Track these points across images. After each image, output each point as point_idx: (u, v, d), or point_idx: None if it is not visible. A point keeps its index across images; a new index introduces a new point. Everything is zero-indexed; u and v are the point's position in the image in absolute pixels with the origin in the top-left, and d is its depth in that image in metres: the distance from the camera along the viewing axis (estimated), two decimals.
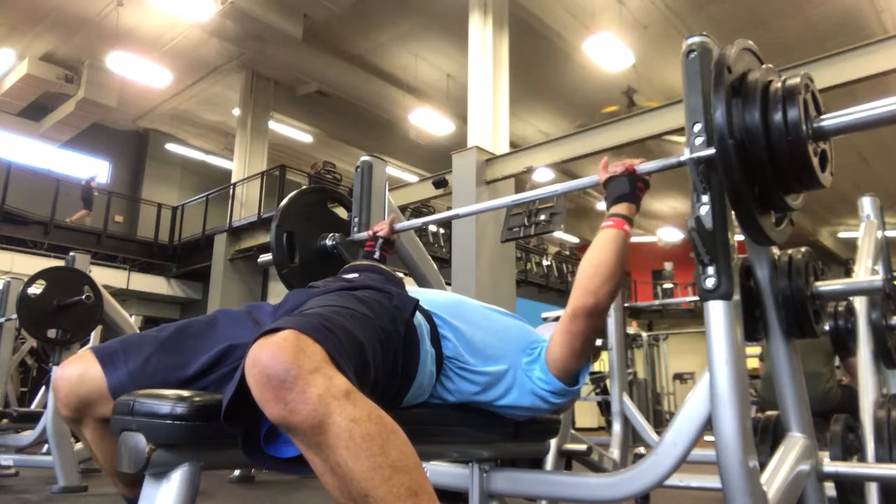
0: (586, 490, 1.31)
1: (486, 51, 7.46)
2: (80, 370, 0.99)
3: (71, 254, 3.83)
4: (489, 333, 1.23)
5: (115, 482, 1.08)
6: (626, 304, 3.13)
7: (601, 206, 14.80)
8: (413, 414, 1.11)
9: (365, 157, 2.04)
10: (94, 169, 12.96)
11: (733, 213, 1.13)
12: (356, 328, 0.90)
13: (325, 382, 0.73)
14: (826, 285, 1.40)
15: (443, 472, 1.56)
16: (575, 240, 15.95)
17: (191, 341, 1.03)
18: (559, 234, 14.08)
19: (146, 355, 0.99)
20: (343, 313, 0.92)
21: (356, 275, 1.24)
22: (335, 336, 0.83)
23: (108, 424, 0.99)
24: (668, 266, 15.51)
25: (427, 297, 1.24)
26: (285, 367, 0.73)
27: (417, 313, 1.11)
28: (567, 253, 15.40)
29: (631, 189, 1.30)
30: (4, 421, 4.19)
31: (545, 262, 14.15)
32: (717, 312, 1.11)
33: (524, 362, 1.24)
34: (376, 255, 1.73)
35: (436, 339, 1.15)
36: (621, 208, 1.29)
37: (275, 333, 0.77)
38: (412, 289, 1.28)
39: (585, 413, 10.95)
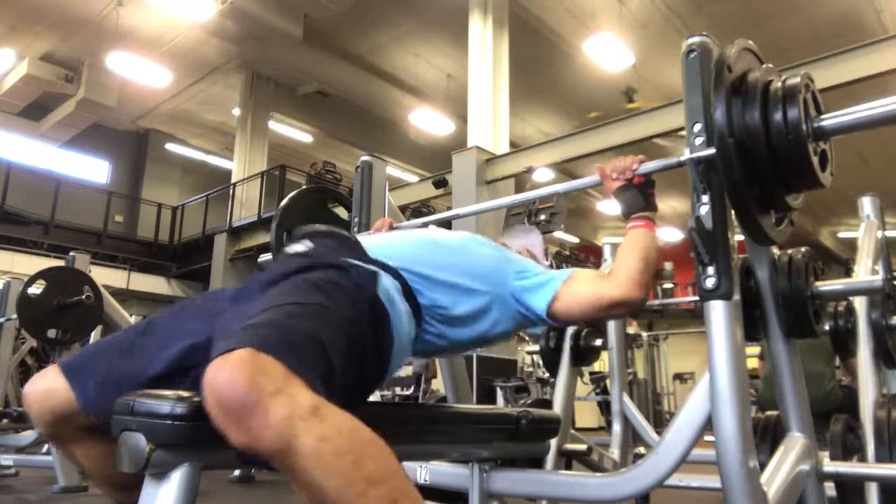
0: (586, 490, 1.31)
1: (486, 51, 7.46)
2: (46, 386, 0.97)
3: (71, 254, 3.83)
4: (463, 270, 1.20)
5: (107, 490, 1.06)
6: None
7: (601, 206, 14.72)
8: (414, 414, 1.11)
9: (365, 157, 2.04)
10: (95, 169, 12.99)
11: (733, 213, 1.14)
12: (316, 327, 0.85)
13: (289, 403, 0.69)
14: (826, 285, 1.40)
15: (443, 472, 1.56)
16: (575, 240, 15.93)
17: (154, 340, 1.01)
18: (559, 234, 14.07)
19: (108, 364, 0.97)
20: (299, 312, 0.86)
21: (310, 243, 1.16)
22: (294, 346, 0.78)
23: (90, 434, 0.99)
24: (668, 266, 15.49)
25: (390, 249, 1.18)
26: (244, 392, 0.69)
27: (385, 275, 1.08)
28: (567, 253, 15.39)
29: (645, 198, 1.31)
30: (4, 421, 4.19)
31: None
32: (717, 312, 1.11)
33: (514, 282, 1.23)
34: None
35: (408, 293, 1.11)
36: (644, 215, 1.31)
37: (230, 353, 0.72)
38: (372, 242, 1.21)
39: (585, 413, 10.94)
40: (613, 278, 1.21)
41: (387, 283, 1.07)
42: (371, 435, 0.74)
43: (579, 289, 1.21)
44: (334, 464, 0.69)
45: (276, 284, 0.98)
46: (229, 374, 0.70)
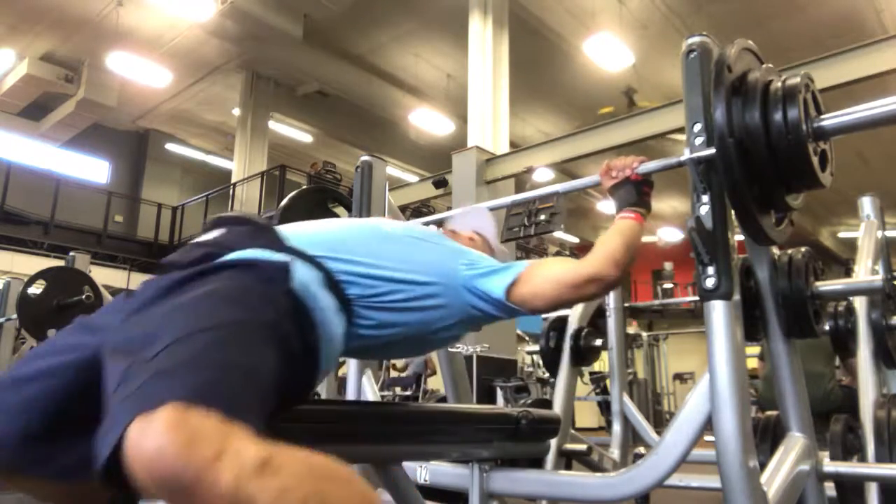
0: (586, 490, 1.31)
1: (486, 51, 7.46)
2: None
3: (71, 254, 3.84)
4: (404, 260, 1.12)
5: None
6: (626, 304, 3.13)
7: (601, 206, 14.74)
8: (414, 414, 1.11)
9: (365, 157, 2.04)
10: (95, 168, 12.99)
11: (733, 213, 1.14)
12: (237, 351, 0.76)
13: (236, 464, 0.61)
14: (826, 285, 1.41)
15: (443, 472, 1.56)
16: (575, 240, 15.94)
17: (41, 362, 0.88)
18: (559, 234, 14.07)
19: (14, 396, 0.85)
20: (212, 339, 0.75)
21: (222, 230, 1.05)
22: (221, 386, 0.69)
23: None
24: (668, 266, 15.49)
25: (311, 238, 1.08)
26: (182, 465, 0.59)
27: (302, 267, 0.98)
28: (567, 253, 15.39)
29: (638, 195, 1.30)
30: None
31: None
32: (717, 312, 1.11)
33: (464, 272, 1.14)
34: None
35: (332, 284, 1.02)
36: (635, 209, 1.28)
37: (152, 416, 0.62)
38: (296, 229, 1.11)
39: (585, 413, 10.94)
40: (589, 256, 1.16)
41: (303, 274, 0.97)
42: (330, 469, 0.68)
43: (548, 270, 1.14)
44: None
45: (173, 293, 0.86)
46: (159, 444, 0.60)
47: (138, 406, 0.63)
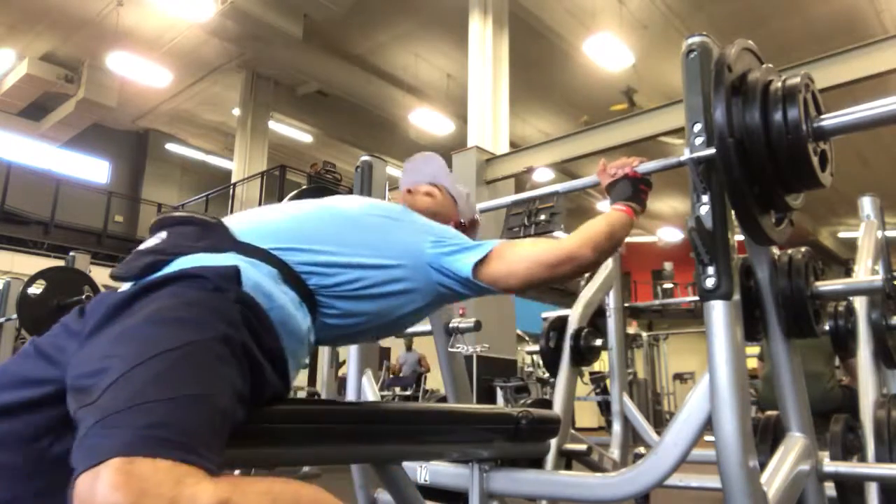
0: (586, 490, 1.31)
1: (486, 51, 7.46)
2: None
3: (71, 254, 3.84)
4: (364, 244, 1.07)
5: None
6: (626, 304, 3.13)
7: (601, 206, 14.75)
8: (414, 414, 1.11)
9: (365, 157, 2.04)
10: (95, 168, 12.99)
11: (733, 213, 1.14)
12: (188, 379, 0.71)
13: None
14: (826, 285, 1.41)
15: (443, 472, 1.56)
16: None
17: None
18: (559, 234, 14.06)
19: None
20: (162, 371, 0.70)
21: (164, 234, 0.97)
22: (171, 427, 0.64)
23: None
24: (668, 266, 15.49)
25: (263, 229, 1.02)
26: None
27: (252, 266, 0.93)
28: None
29: (634, 191, 1.30)
30: None
31: None
32: (717, 312, 1.11)
33: (432, 253, 1.10)
34: None
35: (291, 276, 0.97)
36: (628, 204, 1.28)
37: (97, 471, 0.58)
38: (245, 221, 1.04)
39: (585, 413, 10.95)
40: (569, 236, 1.14)
41: (253, 274, 0.91)
42: (292, 493, 0.65)
43: (523, 249, 1.11)
44: None
45: (119, 315, 0.80)
46: (107, 502, 0.56)
47: (84, 462, 0.60)
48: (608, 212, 1.25)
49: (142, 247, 0.96)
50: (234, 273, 0.88)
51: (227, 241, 0.96)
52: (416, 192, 1.36)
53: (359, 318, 1.06)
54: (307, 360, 1.00)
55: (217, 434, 0.69)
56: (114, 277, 0.94)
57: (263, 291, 0.91)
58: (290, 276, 0.97)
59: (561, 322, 2.83)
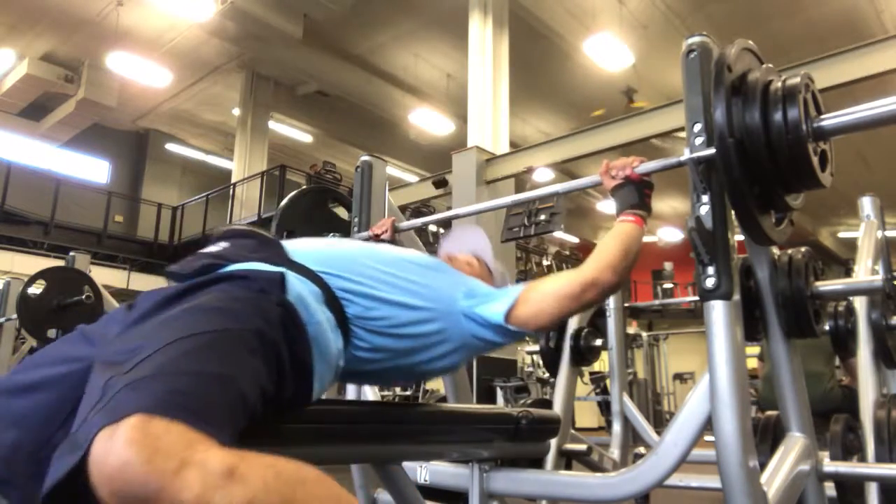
0: (586, 490, 1.31)
1: (486, 51, 7.46)
2: None
3: (71, 254, 3.84)
4: (403, 282, 1.11)
5: None
6: (626, 304, 3.13)
7: (601, 206, 14.76)
8: (414, 414, 1.11)
9: (365, 157, 2.04)
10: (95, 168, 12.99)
11: (733, 213, 1.14)
12: (214, 360, 0.74)
13: (200, 476, 0.59)
14: (826, 285, 1.41)
15: (443, 472, 1.56)
16: (575, 240, 15.94)
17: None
18: (559, 234, 14.07)
19: (5, 407, 0.82)
20: (191, 347, 0.74)
21: (225, 243, 1.04)
22: (190, 396, 0.67)
23: None
24: (668, 266, 15.49)
25: (316, 254, 1.07)
26: (143, 479, 0.57)
27: (300, 281, 0.97)
28: (567, 253, 15.40)
29: (640, 197, 1.30)
30: None
31: (545, 262, 14.15)
32: (717, 312, 1.11)
33: (462, 301, 1.14)
34: None
35: (332, 300, 1.01)
36: (635, 212, 1.28)
37: (116, 426, 0.60)
38: (300, 245, 1.10)
39: (585, 413, 10.94)
40: (585, 263, 1.17)
41: (299, 287, 0.96)
42: (299, 472, 0.66)
43: (545, 286, 1.14)
44: None
45: (166, 307, 0.86)
46: (120, 457, 0.58)
47: (104, 419, 0.62)
48: (618, 225, 1.25)
49: (202, 251, 1.03)
50: (279, 279, 0.93)
51: (280, 257, 1.01)
52: (456, 259, 1.40)
53: (386, 354, 1.08)
54: (328, 384, 1.01)
55: (234, 415, 0.72)
56: (168, 274, 0.99)
57: (305, 305, 0.94)
58: (331, 299, 1.01)
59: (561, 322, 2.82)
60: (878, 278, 1.62)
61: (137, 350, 0.74)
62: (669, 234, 15.12)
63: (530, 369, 8.42)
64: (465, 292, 1.16)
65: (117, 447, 0.59)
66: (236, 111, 12.08)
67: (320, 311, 0.97)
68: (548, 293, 1.13)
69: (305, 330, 0.92)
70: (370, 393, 1.92)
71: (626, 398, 2.87)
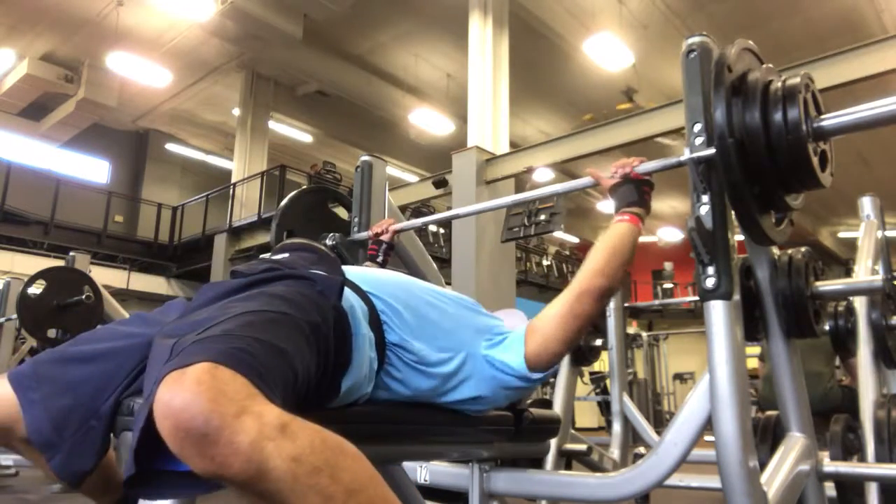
0: (586, 490, 1.31)
1: (486, 51, 7.46)
2: None
3: (71, 254, 3.83)
4: (438, 321, 1.13)
5: (87, 495, 1.01)
6: (626, 304, 3.14)
7: (601, 206, 14.76)
8: (414, 414, 1.11)
9: (365, 157, 2.04)
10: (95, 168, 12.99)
11: (733, 213, 1.14)
12: (276, 334, 0.79)
13: (256, 424, 0.63)
14: (826, 285, 1.41)
15: (443, 472, 1.56)
16: (575, 240, 15.95)
17: (120, 344, 0.92)
18: (559, 234, 14.08)
19: (61, 374, 0.88)
20: (256, 321, 0.79)
21: (287, 254, 1.10)
22: (253, 356, 0.71)
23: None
24: (668, 266, 15.51)
25: (367, 277, 1.12)
26: (205, 417, 0.61)
27: (353, 295, 1.02)
28: (567, 253, 15.40)
29: (639, 195, 1.29)
30: None
31: (545, 262, 14.15)
32: (717, 312, 1.11)
33: (483, 348, 1.15)
34: (379, 259, 1.74)
35: (376, 322, 1.04)
36: (633, 210, 1.28)
37: (185, 370, 0.65)
38: (351, 269, 1.15)
39: (585, 413, 10.95)
40: (575, 278, 1.18)
41: (352, 299, 1.00)
42: (342, 444, 0.70)
43: (545, 312, 1.15)
44: (310, 483, 0.64)
45: (233, 295, 0.92)
46: (186, 395, 0.63)
47: (177, 364, 0.66)
48: (612, 226, 1.25)
49: (265, 256, 1.10)
50: (339, 285, 0.96)
51: (338, 272, 1.04)
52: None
53: (413, 389, 1.08)
54: (351, 399, 1.01)
55: (286, 388, 0.75)
56: (233, 273, 1.03)
57: (355, 316, 0.98)
58: (375, 320, 1.04)
59: None
60: (878, 278, 1.62)
61: (203, 322, 0.78)
62: (669, 234, 15.12)
63: None
64: (487, 337, 1.17)
65: (186, 384, 0.63)
66: (236, 111, 12.08)
67: (365, 327, 1.00)
68: (548, 318, 1.14)
69: (350, 339, 0.95)
70: None
71: (626, 398, 2.87)
